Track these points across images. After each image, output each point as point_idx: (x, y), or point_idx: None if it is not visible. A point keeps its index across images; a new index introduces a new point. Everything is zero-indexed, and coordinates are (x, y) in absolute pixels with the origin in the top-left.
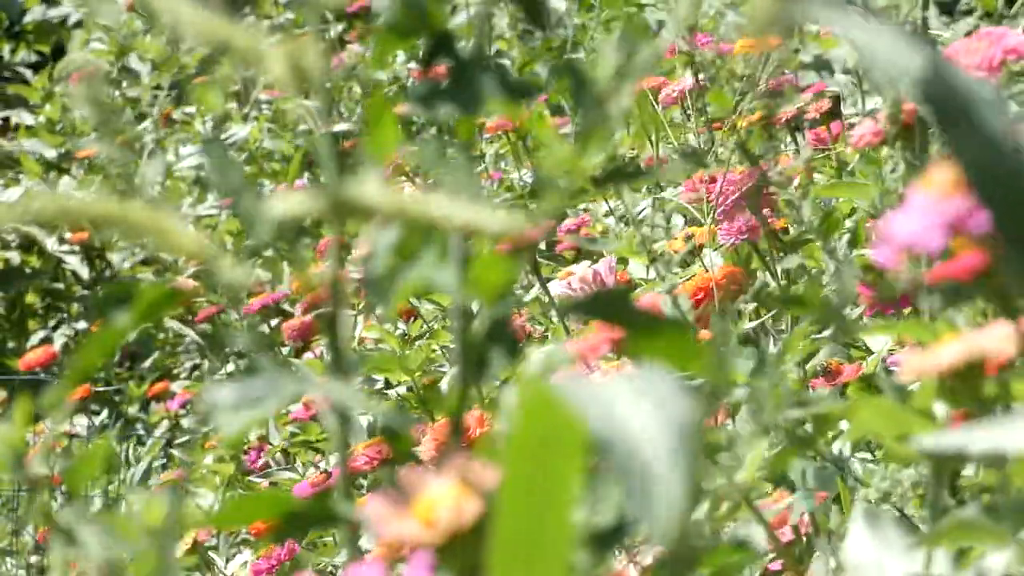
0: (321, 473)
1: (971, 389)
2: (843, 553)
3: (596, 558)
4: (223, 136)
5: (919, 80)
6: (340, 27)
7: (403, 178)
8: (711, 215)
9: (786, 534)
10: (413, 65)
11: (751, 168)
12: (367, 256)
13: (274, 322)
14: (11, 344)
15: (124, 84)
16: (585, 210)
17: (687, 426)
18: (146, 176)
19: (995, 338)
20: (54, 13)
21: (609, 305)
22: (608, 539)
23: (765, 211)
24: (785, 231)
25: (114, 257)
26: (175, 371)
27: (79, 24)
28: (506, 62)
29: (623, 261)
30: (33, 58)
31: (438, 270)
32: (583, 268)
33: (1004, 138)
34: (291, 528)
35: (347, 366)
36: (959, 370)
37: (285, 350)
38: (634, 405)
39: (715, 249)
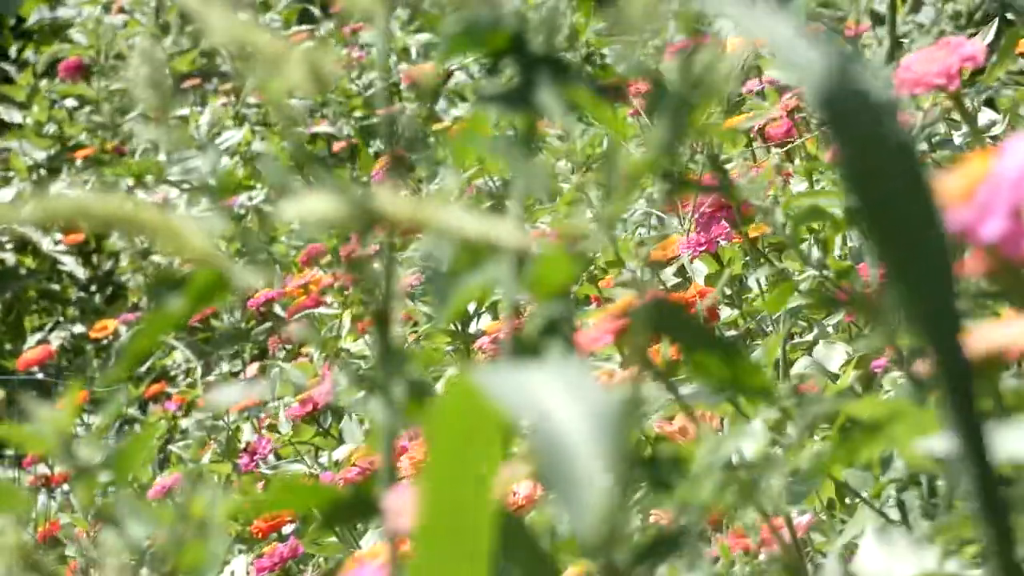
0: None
1: (989, 383)
2: (854, 567)
3: (649, 566)
4: (217, 140)
5: (818, 79)
6: (332, 25)
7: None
8: (688, 224)
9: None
10: (404, 66)
11: (720, 177)
12: (427, 259)
13: (267, 325)
14: (8, 346)
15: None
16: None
17: (614, 423)
18: (198, 166)
19: (1015, 332)
20: (61, 14)
21: (666, 318)
22: (662, 547)
23: (742, 218)
24: (755, 240)
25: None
26: (172, 373)
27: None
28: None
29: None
30: (38, 59)
31: (502, 273)
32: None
33: (902, 151)
34: (334, 519)
35: (397, 360)
36: (978, 363)
37: (281, 354)
38: (561, 401)
39: (692, 260)
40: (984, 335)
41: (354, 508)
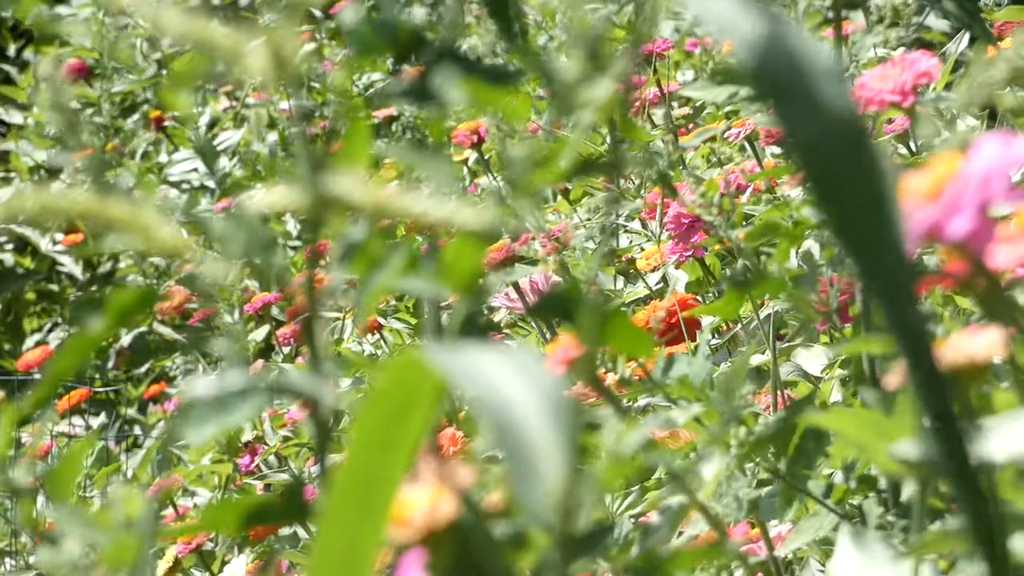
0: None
1: (957, 394)
2: (829, 571)
3: (574, 561)
4: (215, 141)
5: (753, 45)
6: (334, 25)
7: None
8: (664, 233)
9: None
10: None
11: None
12: (335, 262)
13: (265, 327)
14: (7, 347)
15: (114, 79)
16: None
17: (566, 404)
18: (120, 181)
19: (981, 343)
20: (60, 12)
21: (564, 303)
22: (586, 543)
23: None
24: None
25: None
26: (171, 373)
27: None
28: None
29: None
30: (39, 58)
31: (405, 277)
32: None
33: (844, 115)
34: (259, 521)
35: (324, 369)
36: (951, 374)
37: (279, 356)
38: (514, 381)
39: (678, 266)
40: (956, 346)
41: (282, 512)
